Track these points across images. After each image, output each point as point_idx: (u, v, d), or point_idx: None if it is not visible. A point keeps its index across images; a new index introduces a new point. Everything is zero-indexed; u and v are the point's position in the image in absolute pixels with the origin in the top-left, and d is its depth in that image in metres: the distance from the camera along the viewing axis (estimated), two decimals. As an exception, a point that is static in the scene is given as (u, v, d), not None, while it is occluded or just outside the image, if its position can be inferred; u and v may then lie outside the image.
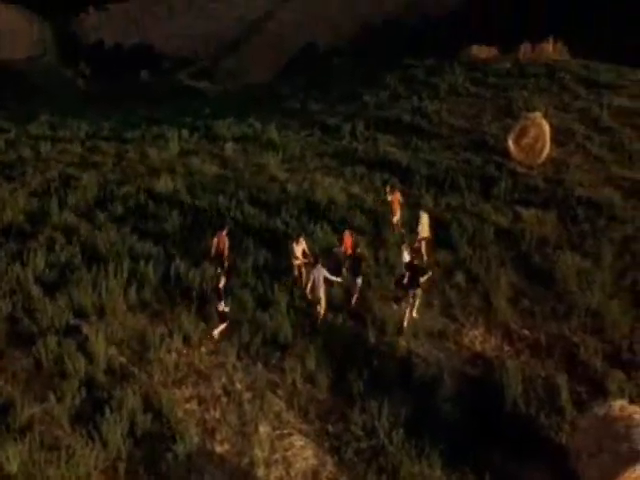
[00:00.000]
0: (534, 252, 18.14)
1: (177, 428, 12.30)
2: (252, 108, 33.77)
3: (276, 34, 79.62)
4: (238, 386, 13.61)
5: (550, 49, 37.34)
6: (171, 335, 14.54)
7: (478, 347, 14.76)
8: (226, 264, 16.88)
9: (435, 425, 12.57)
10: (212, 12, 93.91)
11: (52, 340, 13.85)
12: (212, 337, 14.72)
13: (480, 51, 38.30)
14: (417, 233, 17.87)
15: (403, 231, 18.77)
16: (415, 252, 16.89)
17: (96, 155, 25.73)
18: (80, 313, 14.96)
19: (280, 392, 13.54)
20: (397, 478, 11.79)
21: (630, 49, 41.57)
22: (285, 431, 12.69)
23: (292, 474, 11.95)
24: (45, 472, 11.32)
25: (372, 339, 14.74)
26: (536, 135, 24.11)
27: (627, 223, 19.37)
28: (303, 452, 12.33)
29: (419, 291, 15.20)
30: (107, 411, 12.29)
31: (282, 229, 19.02)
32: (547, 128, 24.05)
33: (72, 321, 14.73)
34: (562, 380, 13.45)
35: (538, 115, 24.81)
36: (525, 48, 37.05)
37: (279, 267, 17.02)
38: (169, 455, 11.88)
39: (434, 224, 18.28)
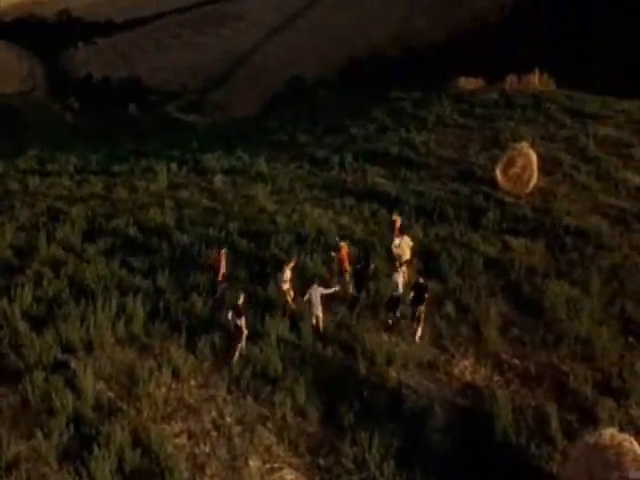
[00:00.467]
0: (523, 281, 18.41)
1: (166, 464, 12.32)
2: (240, 141, 34.25)
3: (263, 67, 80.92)
4: (228, 420, 13.67)
5: (536, 80, 38.20)
6: (160, 369, 14.60)
7: (468, 377, 14.92)
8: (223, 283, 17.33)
9: (426, 456, 12.66)
10: (200, 45, 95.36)
11: (39, 376, 13.88)
12: (232, 358, 14.89)
13: (467, 83, 39.11)
14: (400, 256, 18.30)
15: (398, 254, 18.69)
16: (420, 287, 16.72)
17: (85, 189, 25.96)
18: (68, 348, 15.01)
19: (270, 425, 13.60)
20: (389, 511, 11.83)
21: (614, 80, 42.59)
22: (275, 465, 12.74)
23: (283, 509, 11.97)
24: (32, 510, 11.29)
25: (362, 370, 14.87)
26: (523, 165, 24.59)
27: (614, 251, 19.74)
28: (294, 486, 12.36)
29: (423, 307, 15.82)
30: (95, 447, 12.31)
31: (272, 261, 19.21)
32: (534, 158, 24.53)
33: (60, 356, 14.77)
34: (552, 409, 13.61)
35: (525, 145, 25.34)
36: (511, 79, 37.88)
37: (269, 299, 17.18)
38: (158, 491, 11.88)
39: (423, 254, 18.57)
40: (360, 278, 17.05)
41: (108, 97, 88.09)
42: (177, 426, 13.37)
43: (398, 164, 27.10)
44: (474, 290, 17.91)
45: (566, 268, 18.98)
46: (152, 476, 12.17)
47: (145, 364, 14.66)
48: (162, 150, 33.83)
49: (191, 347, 15.37)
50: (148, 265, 18.99)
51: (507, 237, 20.84)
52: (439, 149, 28.67)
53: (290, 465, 12.76)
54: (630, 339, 16.00)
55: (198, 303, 16.87)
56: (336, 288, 16.51)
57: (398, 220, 19.90)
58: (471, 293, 17.76)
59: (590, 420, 13.51)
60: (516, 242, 20.34)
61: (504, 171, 24.60)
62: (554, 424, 13.33)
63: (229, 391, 14.34)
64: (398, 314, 16.38)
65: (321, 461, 12.87)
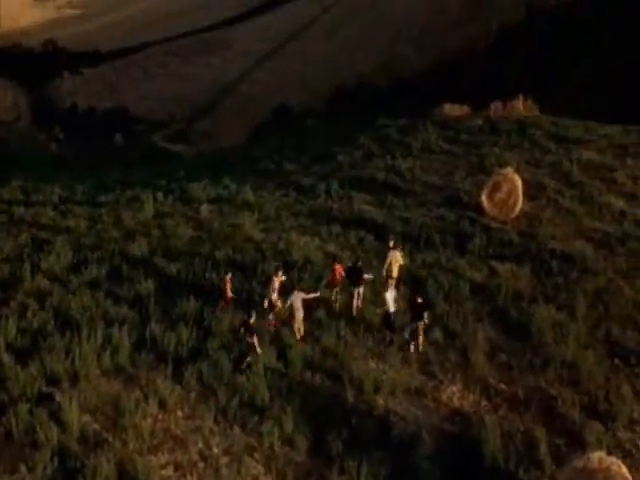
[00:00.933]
0: (510, 306, 18.65)
1: (153, 496, 12.29)
2: (227, 169, 34.57)
3: (250, 96, 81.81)
4: (215, 451, 13.67)
5: (520, 106, 38.95)
6: (146, 400, 14.62)
7: (456, 403, 15.03)
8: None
9: (415, 484, 12.70)
10: (187, 75, 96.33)
11: (23, 409, 13.86)
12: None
13: (452, 109, 39.80)
14: (390, 272, 18.89)
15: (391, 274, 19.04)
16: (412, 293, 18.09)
17: (70, 219, 26.07)
18: (53, 380, 15.01)
19: (258, 456, 13.62)
20: (378, 540, 11.83)
21: (596, 105, 43.51)
22: (263, 495, 12.73)
23: (271, 540, 11.94)
24: None
25: (350, 398, 14.95)
26: (509, 190, 24.99)
27: (599, 275, 20.06)
28: (282, 516, 12.35)
29: (422, 324, 16.41)
30: (80, 480, 12.26)
31: (258, 290, 19.35)
32: (519, 183, 24.95)
33: (44, 389, 14.76)
34: (540, 433, 13.73)
35: (510, 171, 25.78)
36: (496, 106, 38.61)
37: (256, 327, 17.25)
38: (144, 524, 11.83)
39: (410, 280, 18.79)
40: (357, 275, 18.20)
41: (94, 127, 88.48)
42: (164, 457, 13.35)
43: (384, 191, 27.47)
44: (461, 316, 18.11)
45: (552, 292, 19.24)
46: (138, 509, 12.13)
47: (131, 395, 14.67)
48: (148, 180, 34.07)
49: (178, 377, 15.41)
50: (134, 295, 19.07)
51: (493, 262, 21.13)
52: (425, 175, 29.10)
53: (278, 495, 12.75)
54: (616, 362, 16.20)
55: (185, 333, 16.94)
56: (317, 294, 17.51)
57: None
58: (458, 319, 17.96)
59: (578, 444, 13.64)
60: (502, 267, 20.62)
61: (490, 197, 24.99)
62: (542, 448, 13.44)
63: (216, 421, 14.36)
64: (395, 331, 17.02)
65: (309, 491, 12.87)
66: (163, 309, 18.36)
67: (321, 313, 18.07)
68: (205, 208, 26.56)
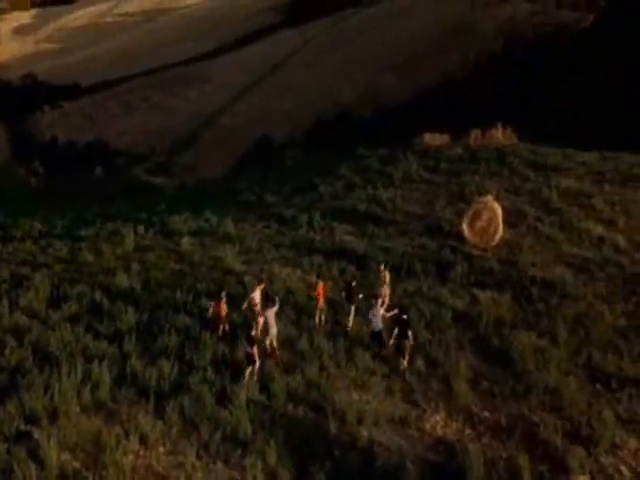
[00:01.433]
0: (492, 333, 18.89)
1: (134, 534, 12.21)
2: (208, 202, 34.83)
3: (231, 128, 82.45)
4: (197, 486, 13.63)
5: (499, 135, 39.82)
6: (127, 436, 14.58)
7: (440, 432, 15.14)
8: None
9: (399, 514, 12.74)
10: (168, 108, 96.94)
11: (1, 448, 13.77)
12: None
13: (432, 139, 40.57)
14: (380, 292, 19.54)
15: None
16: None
17: (49, 254, 26.09)
18: (31, 418, 14.94)
19: (241, 490, 13.58)
20: None
21: (575, 133, 44.53)
22: (246, 530, 12.69)
23: None
24: None
25: (333, 430, 15.01)
26: (489, 218, 25.45)
27: (579, 300, 20.41)
28: None
29: (408, 342, 17.07)
30: (59, 520, 12.18)
31: (240, 322, 19.46)
32: (499, 211, 25.44)
33: (23, 427, 14.68)
34: (524, 460, 13.85)
35: (490, 199, 26.28)
36: (475, 134, 39.44)
37: (237, 360, 17.35)
38: None
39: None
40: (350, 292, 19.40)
41: (74, 161, 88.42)
42: (145, 495, 13.30)
43: (366, 221, 27.83)
44: (443, 344, 18.31)
45: (533, 319, 19.54)
46: None
47: (112, 431, 14.63)
48: (129, 213, 34.21)
49: (159, 412, 15.40)
50: (114, 330, 19.10)
51: (475, 290, 21.43)
52: (406, 205, 29.53)
53: (261, 530, 12.72)
54: (597, 387, 16.43)
55: (166, 367, 16.96)
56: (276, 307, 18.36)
57: (321, 285, 20.11)
58: (440, 347, 18.16)
59: (561, 470, 13.78)
60: (483, 295, 20.91)
61: (470, 225, 25.42)
62: (526, 475, 13.55)
63: (198, 456, 14.34)
64: (384, 347, 17.70)
65: (293, 524, 12.86)
66: (144, 343, 18.39)
67: (304, 344, 18.20)
68: (186, 241, 26.73)
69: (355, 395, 16.28)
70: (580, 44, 68.23)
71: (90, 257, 25.31)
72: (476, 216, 25.55)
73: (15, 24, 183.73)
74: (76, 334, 18.63)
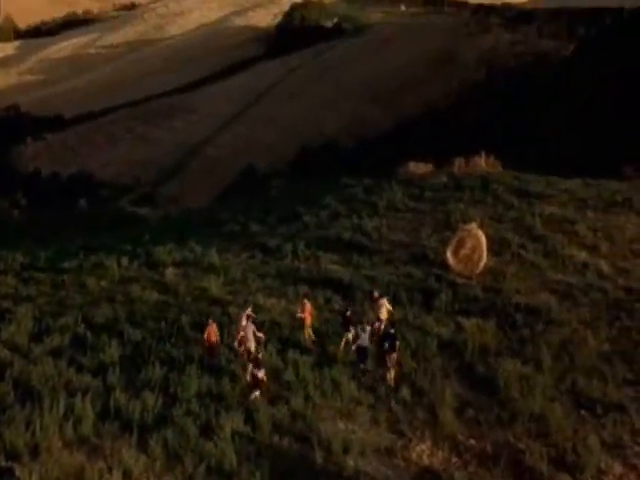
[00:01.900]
0: (477, 361, 19.07)
1: None
2: (193, 232, 34.95)
3: (216, 158, 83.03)
4: (182, 520, 13.57)
5: (483, 163, 40.39)
6: (110, 471, 14.50)
7: (426, 461, 15.21)
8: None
9: None
10: (152, 138, 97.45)
11: (-18, 485, 13.68)
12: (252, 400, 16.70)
13: (417, 167, 41.04)
14: (378, 316, 20.26)
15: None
16: (376, 333, 19.50)
17: (31, 287, 26.04)
18: (12, 454, 14.84)
19: (226, 523, 13.54)
20: None
21: (556, 161, 45.35)
22: None
23: None
24: None
25: (319, 460, 15.03)
26: (473, 246, 25.76)
27: (564, 326, 20.67)
28: None
29: (394, 355, 17.91)
30: None
31: (225, 353, 19.51)
32: (483, 239, 25.76)
33: (4, 463, 14.56)
34: (510, 488, 13.96)
35: (474, 226, 26.62)
36: (459, 162, 39.96)
37: (222, 392, 17.39)
38: None
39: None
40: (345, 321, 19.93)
41: (57, 193, 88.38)
42: (128, 530, 13.21)
43: (351, 250, 28.05)
44: (429, 373, 18.45)
45: (518, 346, 19.75)
46: None
47: (95, 466, 14.55)
48: (113, 244, 34.22)
49: (143, 446, 15.36)
50: (98, 363, 19.07)
51: (460, 318, 21.64)
52: (391, 234, 29.82)
53: None
54: (582, 413, 16.62)
55: (150, 400, 16.95)
56: (261, 335, 19.35)
57: (308, 306, 20.99)
58: (426, 376, 18.29)
59: (548, 497, 13.88)
60: (468, 322, 21.12)
61: (455, 253, 25.71)
62: (512, 504, 13.65)
63: (183, 490, 14.29)
64: (367, 365, 18.41)
65: None
66: (128, 376, 18.37)
67: (289, 375, 18.26)
68: (170, 272, 26.79)
69: (341, 425, 16.33)
70: (561, 73, 69.84)
71: (73, 290, 25.30)
72: (460, 244, 25.85)
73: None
74: (59, 368, 18.58)
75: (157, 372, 18.36)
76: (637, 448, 15.52)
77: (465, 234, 26.05)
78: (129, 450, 15.14)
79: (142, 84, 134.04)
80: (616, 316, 21.46)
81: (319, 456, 15.12)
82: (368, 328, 18.88)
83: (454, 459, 15.24)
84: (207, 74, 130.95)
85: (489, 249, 25.65)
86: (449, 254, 25.65)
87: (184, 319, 21.81)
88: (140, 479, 14.49)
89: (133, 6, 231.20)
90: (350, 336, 19.40)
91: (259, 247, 29.56)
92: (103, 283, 25.87)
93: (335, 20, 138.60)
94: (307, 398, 17.25)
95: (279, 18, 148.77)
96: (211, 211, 46.75)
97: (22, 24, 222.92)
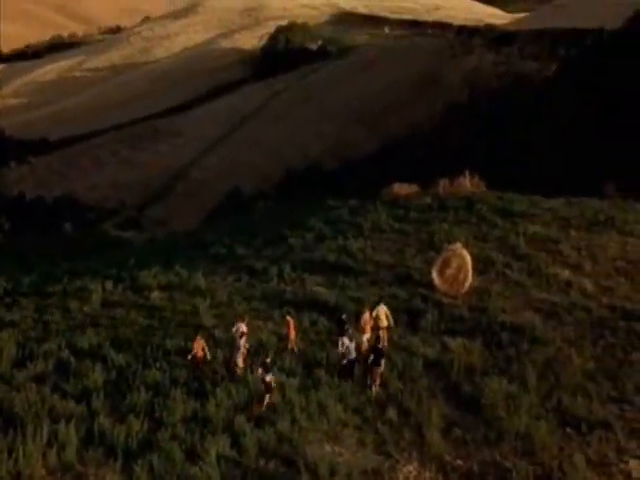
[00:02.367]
0: (463, 381, 19.16)
1: None
2: (178, 255, 34.93)
3: (202, 181, 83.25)
4: None
5: (467, 183, 40.75)
6: (95, 498, 14.41)
7: (413, 482, 15.21)
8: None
9: None
10: (138, 162, 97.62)
11: (-37, 515, 13.52)
12: (259, 410, 17.16)
13: (401, 188, 41.33)
14: (377, 324, 20.86)
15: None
16: (376, 339, 20.01)
17: (15, 312, 25.88)
18: (-5, 483, 14.71)
19: None
20: None
21: (538, 181, 45.95)
22: None
23: None
24: None
25: (306, 484, 14.99)
26: (458, 266, 25.96)
27: (549, 345, 20.85)
28: None
29: (379, 369, 18.45)
30: None
31: (211, 377, 19.47)
32: (468, 258, 25.97)
33: (-14, 493, 14.45)
34: (497, 508, 13.99)
35: (459, 246, 26.83)
36: (444, 183, 40.30)
37: (207, 416, 17.34)
38: None
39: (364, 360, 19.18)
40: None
41: (42, 216, 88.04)
42: None
43: (336, 272, 28.14)
44: (415, 393, 18.49)
45: (503, 364, 19.87)
46: None
47: (78, 493, 14.45)
48: (98, 268, 34.10)
49: (128, 472, 15.26)
50: (82, 389, 18.95)
51: (445, 338, 21.75)
52: (376, 255, 29.96)
53: None
54: (568, 430, 16.73)
55: (135, 425, 16.86)
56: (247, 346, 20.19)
57: (291, 322, 21.49)
58: (412, 397, 18.33)
59: (534, 516, 13.91)
60: (454, 342, 21.24)
61: (440, 273, 25.89)
62: (499, 524, 13.67)
63: (168, 516, 14.19)
64: (352, 377, 19.01)
65: None
66: (113, 401, 18.28)
67: (275, 397, 18.24)
68: (156, 295, 26.74)
69: (327, 448, 16.31)
70: (543, 93, 70.87)
71: (57, 314, 25.17)
72: (445, 264, 26.03)
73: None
74: (42, 394, 18.44)
75: (142, 397, 18.26)
76: (622, 466, 15.64)
77: (450, 254, 26.25)
78: (114, 476, 15.05)
79: (127, 107, 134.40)
80: (600, 334, 21.67)
81: (306, 479, 15.08)
82: (353, 340, 19.48)
83: (441, 479, 15.25)
84: (192, 97, 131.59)
85: (474, 268, 25.86)
86: (435, 274, 25.82)
87: (169, 343, 21.75)
88: (125, 506, 14.37)
89: (119, 29, 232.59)
90: (346, 341, 19.54)
91: (245, 270, 29.58)
92: (87, 308, 25.76)
93: (320, 43, 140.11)
94: (293, 421, 17.22)
95: (265, 40, 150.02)
96: (197, 234, 46.76)
97: (6, 49, 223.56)
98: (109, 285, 28.59)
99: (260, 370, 17.83)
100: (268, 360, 18.04)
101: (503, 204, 35.89)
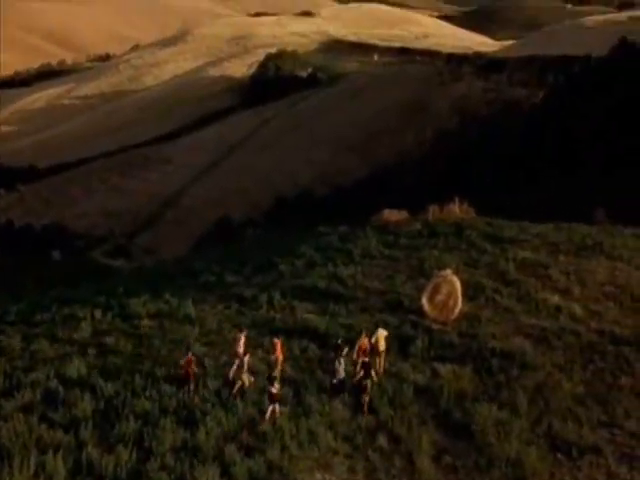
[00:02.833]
0: (453, 407, 19.27)
1: None
2: (168, 283, 34.95)
3: (191, 208, 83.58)
4: None
5: (457, 209, 41.17)
6: (82, 530, 14.35)
7: (404, 510, 15.25)
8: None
9: None
10: (127, 190, 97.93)
11: None
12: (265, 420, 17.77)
13: (391, 215, 41.65)
14: (377, 349, 21.28)
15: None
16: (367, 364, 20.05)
17: (2, 341, 25.80)
18: (-19, 515, 14.64)
19: None
20: None
21: (527, 207, 46.49)
22: None
23: None
24: None
25: (296, 512, 15.01)
26: (448, 292, 26.16)
27: (538, 370, 21.02)
28: None
29: (369, 382, 19.01)
30: None
31: (200, 407, 19.48)
32: (458, 284, 26.19)
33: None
34: (487, 535, 14.04)
35: (449, 272, 27.07)
36: (434, 209, 40.69)
37: (197, 445, 17.33)
38: None
39: (354, 387, 19.26)
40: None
41: (30, 244, 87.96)
42: None
43: (326, 299, 28.26)
44: (406, 420, 18.59)
45: (493, 391, 20.02)
46: None
47: (66, 525, 14.39)
48: (87, 297, 34.06)
49: (116, 502, 15.23)
50: (70, 418, 18.90)
51: (436, 364, 21.89)
52: (366, 281, 30.14)
53: None
54: (558, 456, 16.86)
55: (124, 455, 16.84)
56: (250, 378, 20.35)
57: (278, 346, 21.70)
58: (403, 424, 18.42)
59: (526, 543, 13.97)
60: (444, 368, 21.38)
61: (430, 299, 26.08)
62: None
63: None
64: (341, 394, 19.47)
65: None
66: (101, 431, 18.23)
67: (265, 425, 18.28)
68: (145, 324, 26.75)
69: (318, 476, 16.35)
70: (531, 119, 71.99)
71: (45, 343, 25.12)
72: (435, 290, 26.23)
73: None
74: (29, 424, 18.38)
75: (131, 426, 18.24)
76: (613, 491, 15.76)
77: (440, 280, 26.46)
78: (102, 507, 14.99)
79: (117, 135, 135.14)
80: (589, 359, 21.89)
81: (296, 507, 15.11)
82: (342, 361, 19.91)
83: (432, 507, 15.31)
84: (181, 125, 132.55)
85: (464, 294, 26.08)
86: (425, 300, 26.00)
87: (159, 371, 21.76)
88: (113, 537, 14.32)
89: (108, 57, 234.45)
90: (340, 362, 19.98)
91: (235, 297, 29.64)
92: (76, 336, 25.73)
93: (310, 70, 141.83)
94: (283, 449, 17.25)
95: (254, 68, 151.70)
96: (186, 261, 46.79)
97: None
98: (98, 313, 28.55)
99: (267, 383, 18.62)
100: (274, 374, 18.71)
101: (493, 230, 36.26)
